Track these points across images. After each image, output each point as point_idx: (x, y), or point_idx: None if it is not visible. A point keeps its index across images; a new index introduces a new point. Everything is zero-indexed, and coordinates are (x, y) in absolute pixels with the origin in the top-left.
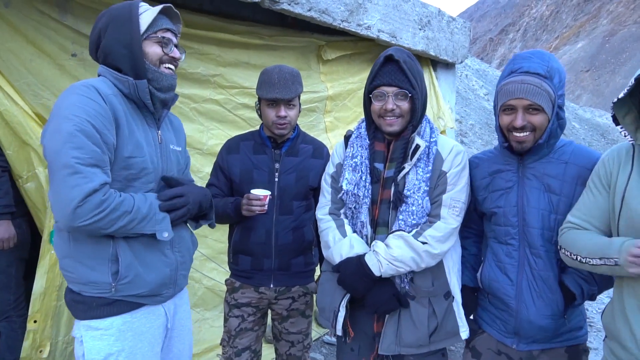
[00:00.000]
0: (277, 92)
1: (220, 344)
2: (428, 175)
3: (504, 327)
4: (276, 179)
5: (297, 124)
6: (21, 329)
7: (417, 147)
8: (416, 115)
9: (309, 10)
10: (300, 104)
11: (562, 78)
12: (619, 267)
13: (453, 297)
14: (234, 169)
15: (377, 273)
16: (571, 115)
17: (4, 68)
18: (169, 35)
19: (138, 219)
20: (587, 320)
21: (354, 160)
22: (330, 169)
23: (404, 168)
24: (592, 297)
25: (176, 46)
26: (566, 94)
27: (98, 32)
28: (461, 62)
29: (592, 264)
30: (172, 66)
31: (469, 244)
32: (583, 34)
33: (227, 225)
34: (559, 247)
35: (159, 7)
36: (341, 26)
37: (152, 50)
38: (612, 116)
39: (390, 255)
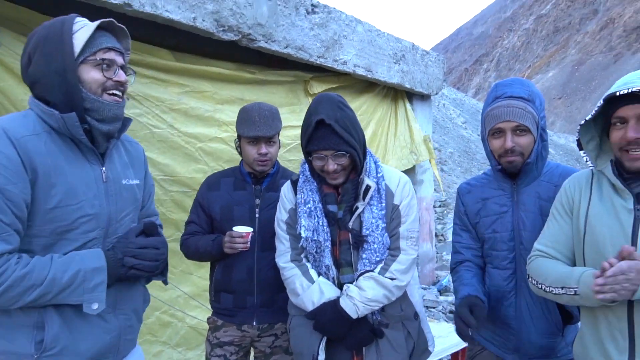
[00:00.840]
0: (258, 130)
1: None
2: (383, 212)
3: (505, 344)
4: (257, 215)
5: (277, 160)
6: None
7: (368, 187)
8: (358, 164)
9: (286, 47)
10: (279, 141)
11: (542, 101)
12: (579, 297)
13: (419, 316)
14: (214, 205)
15: (354, 316)
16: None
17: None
18: (111, 55)
19: (54, 291)
20: None
21: (307, 206)
22: (282, 215)
23: (357, 208)
24: None
25: (122, 67)
26: None
27: (27, 56)
28: (436, 93)
29: (555, 293)
30: (118, 92)
31: (470, 275)
32: (553, 63)
33: (209, 262)
34: (527, 275)
35: (95, 23)
36: (318, 62)
37: (90, 76)
38: (577, 140)
39: (365, 298)
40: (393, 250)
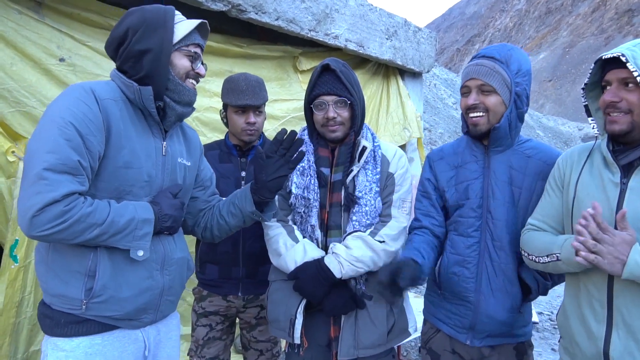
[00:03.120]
0: (246, 98)
1: (188, 354)
2: (377, 176)
3: (460, 322)
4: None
5: (262, 132)
6: None
7: (364, 149)
8: (356, 121)
9: (277, 19)
10: (265, 112)
11: (521, 68)
12: (561, 262)
13: (405, 294)
14: None
15: (337, 275)
16: (535, 124)
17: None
18: (198, 50)
19: (110, 232)
20: (552, 322)
21: (301, 164)
22: None
23: (352, 170)
24: (545, 292)
25: (202, 63)
26: (530, 103)
27: (126, 30)
28: (428, 71)
29: (542, 262)
30: (195, 82)
31: (418, 240)
32: (545, 44)
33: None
34: (520, 248)
35: (197, 22)
36: (309, 35)
37: (181, 62)
38: (584, 106)
39: (351, 256)
40: (384, 217)
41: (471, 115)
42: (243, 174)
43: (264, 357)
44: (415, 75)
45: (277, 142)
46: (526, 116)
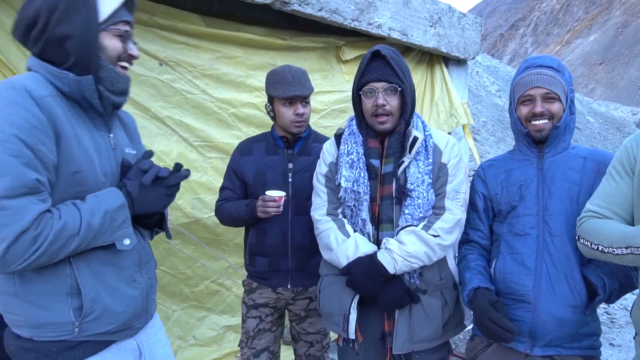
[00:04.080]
0: (294, 89)
1: (239, 346)
2: (430, 167)
3: (518, 327)
4: (290, 180)
5: (308, 124)
6: None
7: (415, 139)
8: (407, 110)
9: (320, 10)
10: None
11: (570, 77)
12: None
13: (458, 286)
14: (247, 171)
15: (391, 271)
16: (585, 109)
17: (19, 54)
18: (128, 28)
19: (90, 236)
20: (609, 316)
21: (349, 157)
22: (322, 168)
23: (403, 162)
24: (611, 296)
25: (133, 43)
26: (579, 88)
27: (37, 10)
28: (473, 58)
29: (617, 254)
30: (127, 65)
31: (475, 258)
32: (595, 26)
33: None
34: (577, 237)
35: None
36: (352, 25)
37: (112, 44)
38: None
39: (405, 252)
40: (438, 209)
41: (536, 122)
42: (290, 165)
43: (314, 349)
44: (460, 62)
45: (152, 174)
46: (576, 102)
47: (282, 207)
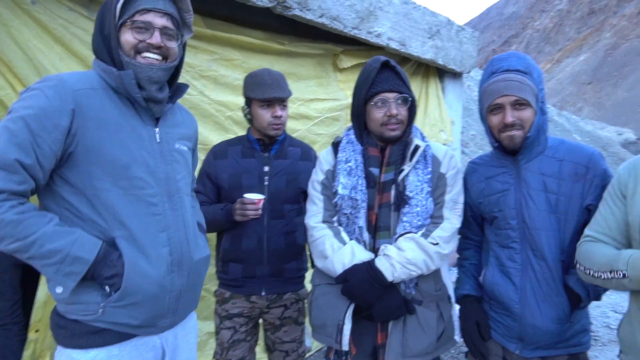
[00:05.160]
0: (273, 92)
1: (214, 357)
2: (429, 176)
3: (508, 332)
4: (266, 183)
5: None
6: (17, 337)
7: (417, 148)
8: (413, 120)
9: (321, 16)
10: (288, 107)
11: (540, 74)
12: (627, 280)
13: (451, 299)
14: (222, 174)
15: (390, 278)
16: (572, 128)
17: (30, 67)
18: (149, 17)
19: (30, 253)
20: (592, 334)
21: (348, 164)
22: (318, 175)
23: (402, 170)
24: (598, 297)
25: (165, 29)
26: (568, 106)
27: (95, 22)
28: (469, 72)
29: (603, 279)
30: (152, 55)
31: (470, 255)
32: (586, 46)
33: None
34: (575, 261)
35: None
36: (352, 33)
37: (124, 38)
38: None
39: (404, 258)
40: (436, 218)
41: (509, 133)
42: (266, 168)
43: (289, 358)
44: (455, 75)
45: None
46: (563, 120)
47: (261, 210)
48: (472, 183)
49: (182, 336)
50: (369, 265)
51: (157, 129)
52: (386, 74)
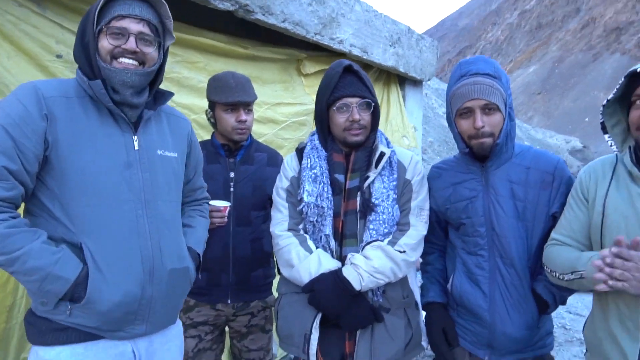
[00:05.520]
0: (237, 95)
1: None
2: (394, 183)
3: (477, 339)
4: (232, 189)
5: (250, 133)
6: None
7: (382, 154)
8: (376, 125)
9: (283, 21)
10: (254, 111)
11: (507, 79)
12: (585, 280)
13: (419, 306)
14: None
15: (357, 287)
16: (524, 136)
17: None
18: (124, 23)
19: (14, 268)
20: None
21: (313, 171)
22: (283, 182)
23: (368, 177)
24: (564, 302)
25: (141, 34)
26: (520, 115)
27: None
28: (429, 79)
29: (567, 280)
30: (127, 60)
31: (434, 259)
32: (535, 58)
33: None
34: (542, 264)
35: None
36: (314, 39)
37: (101, 44)
38: (600, 123)
39: (372, 267)
40: (402, 225)
41: (479, 140)
42: (232, 174)
43: None
44: (416, 83)
45: None
46: (516, 129)
47: (226, 217)
48: (437, 188)
49: (160, 343)
50: (336, 275)
51: (135, 137)
52: (349, 78)
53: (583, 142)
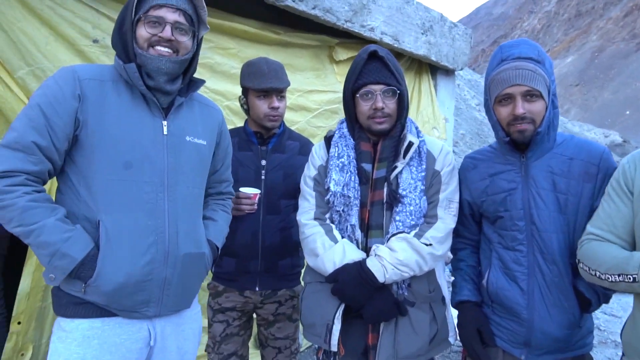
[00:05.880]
0: (270, 82)
1: (205, 350)
2: (423, 174)
3: (513, 337)
4: (263, 177)
5: (283, 120)
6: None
7: (410, 144)
8: (403, 113)
9: (314, 8)
10: (287, 98)
11: (551, 64)
12: (638, 285)
13: (446, 300)
14: None
15: (381, 279)
16: (560, 129)
17: (14, 50)
18: (161, 12)
19: (29, 240)
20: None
21: (340, 160)
22: (311, 171)
23: (396, 167)
24: (607, 301)
25: (177, 23)
26: None
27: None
28: (461, 68)
29: (611, 281)
30: (162, 48)
31: (466, 255)
32: (573, 48)
33: None
34: (577, 260)
35: None
36: (345, 26)
37: (139, 33)
38: None
39: (396, 259)
40: (430, 218)
41: (519, 127)
42: (264, 162)
43: (282, 355)
44: (448, 72)
45: None
46: None
47: (256, 204)
48: (472, 180)
49: (176, 324)
50: (360, 266)
51: (165, 122)
52: (374, 64)
53: (623, 136)
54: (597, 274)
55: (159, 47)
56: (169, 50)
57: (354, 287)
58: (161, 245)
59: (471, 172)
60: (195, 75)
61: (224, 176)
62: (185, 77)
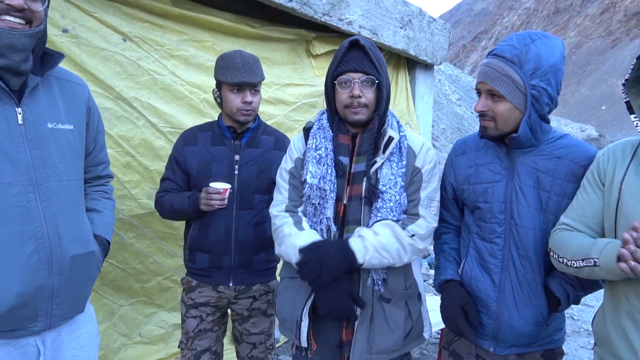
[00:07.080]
0: (243, 76)
1: (179, 347)
2: (403, 170)
3: (482, 329)
4: (236, 172)
5: (257, 115)
6: None
7: (390, 139)
8: (381, 105)
9: (290, 1)
10: (261, 92)
11: (541, 65)
12: (598, 268)
13: (422, 297)
14: (191, 161)
15: (360, 260)
16: None
17: None
18: None
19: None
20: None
21: (317, 152)
22: (287, 164)
23: (375, 162)
24: (577, 301)
25: None
26: None
27: None
28: (440, 63)
29: (576, 267)
30: (13, 19)
31: (450, 239)
32: None
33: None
34: (549, 249)
35: None
36: (322, 20)
37: None
38: (625, 102)
39: (379, 242)
40: (412, 216)
41: (481, 122)
42: (237, 157)
43: (257, 350)
44: (427, 67)
45: None
46: None
47: (226, 200)
48: (459, 165)
49: (68, 332)
50: (343, 243)
51: (19, 109)
52: (354, 53)
53: (599, 130)
54: (564, 260)
55: (8, 18)
56: (21, 22)
57: (333, 259)
58: (43, 251)
59: (459, 157)
60: (171, 67)
61: (99, 158)
62: (36, 52)
